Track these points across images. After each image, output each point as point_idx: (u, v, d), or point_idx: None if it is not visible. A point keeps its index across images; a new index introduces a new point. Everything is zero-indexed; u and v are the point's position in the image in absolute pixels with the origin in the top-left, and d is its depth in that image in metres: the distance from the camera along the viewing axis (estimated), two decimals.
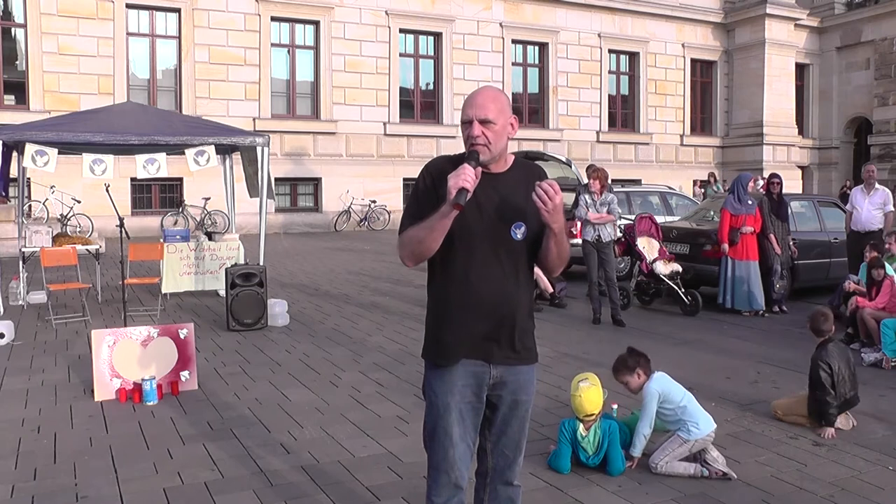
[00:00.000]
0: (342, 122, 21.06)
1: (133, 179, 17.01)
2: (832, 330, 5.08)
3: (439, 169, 2.58)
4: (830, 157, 29.15)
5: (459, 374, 2.60)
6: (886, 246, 8.14)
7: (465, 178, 2.36)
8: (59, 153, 8.12)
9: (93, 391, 5.48)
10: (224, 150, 9.95)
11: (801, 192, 25.26)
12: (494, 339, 2.59)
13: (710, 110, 27.73)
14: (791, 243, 9.53)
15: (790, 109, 27.12)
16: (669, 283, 9.12)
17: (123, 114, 9.03)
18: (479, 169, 2.46)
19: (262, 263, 8.40)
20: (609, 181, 9.00)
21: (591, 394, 4.22)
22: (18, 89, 18.22)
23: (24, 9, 17.97)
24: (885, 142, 26.52)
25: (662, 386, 4.31)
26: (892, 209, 9.33)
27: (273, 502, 3.77)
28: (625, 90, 26.14)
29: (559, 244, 2.54)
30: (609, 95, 25.38)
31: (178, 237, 10.05)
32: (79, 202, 16.29)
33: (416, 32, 22.37)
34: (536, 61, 24.41)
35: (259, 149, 8.73)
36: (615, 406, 4.69)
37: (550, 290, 9.44)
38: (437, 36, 22.53)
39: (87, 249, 9.72)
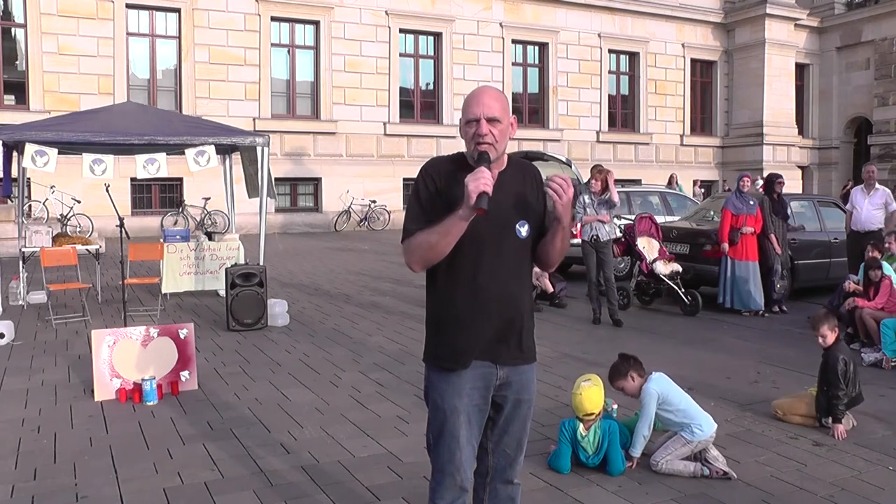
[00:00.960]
0: (342, 122, 21.06)
1: (133, 179, 17.01)
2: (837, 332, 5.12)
3: (441, 170, 2.57)
4: (830, 157, 29.15)
5: (468, 376, 2.58)
6: (886, 245, 8.14)
7: (486, 181, 2.34)
8: (59, 153, 8.11)
9: (93, 391, 5.48)
10: (224, 150, 9.95)
11: (801, 192, 25.25)
12: (503, 339, 2.59)
13: (710, 110, 27.73)
14: (790, 242, 9.54)
15: (790, 109, 27.11)
16: (669, 283, 9.12)
17: (123, 114, 9.03)
18: (495, 171, 2.46)
19: (262, 263, 8.40)
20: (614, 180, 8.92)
21: (591, 393, 4.22)
22: (18, 89, 18.22)
23: (24, 9, 17.96)
24: (885, 142, 26.51)
25: (661, 387, 4.31)
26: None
27: (273, 502, 3.77)
28: (625, 90, 26.14)
29: (564, 239, 2.57)
30: (609, 95, 25.38)
31: (178, 237, 10.06)
32: (79, 202, 16.28)
33: (416, 32, 22.37)
34: (536, 61, 24.41)
35: (259, 149, 8.73)
36: (615, 406, 4.68)
37: (551, 289, 9.44)
38: (437, 36, 22.53)
39: (87, 249, 9.73)
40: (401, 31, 21.95)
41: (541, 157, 12.39)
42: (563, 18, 24.26)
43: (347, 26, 21.10)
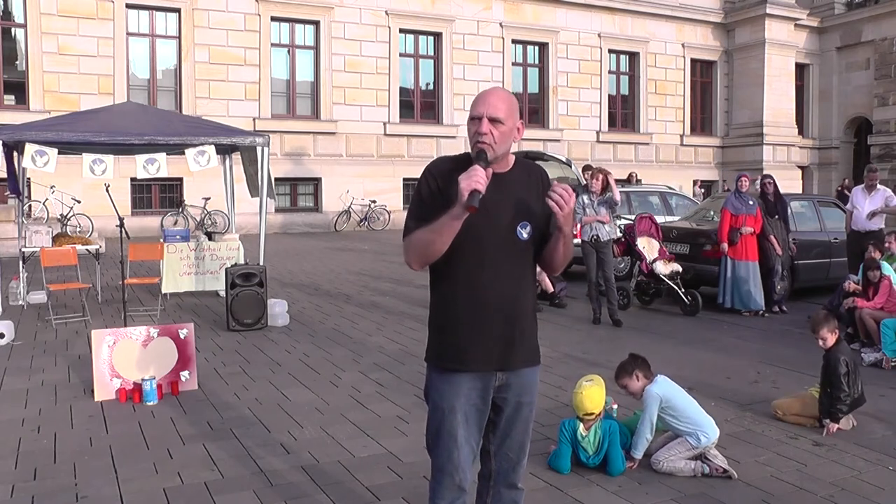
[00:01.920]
0: (342, 122, 21.06)
1: (133, 179, 17.01)
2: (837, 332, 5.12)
3: (443, 170, 2.57)
4: (830, 157, 29.15)
5: (467, 377, 2.58)
6: (886, 245, 8.14)
7: (478, 179, 2.34)
8: (59, 153, 8.11)
9: (93, 391, 5.48)
10: (224, 150, 9.94)
11: (801, 192, 25.25)
12: (505, 341, 2.58)
13: (710, 110, 27.73)
14: (791, 242, 9.53)
15: (790, 109, 27.11)
16: (669, 283, 9.12)
17: (123, 114, 9.03)
18: (490, 170, 2.44)
19: (262, 263, 8.40)
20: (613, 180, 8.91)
21: (592, 392, 4.22)
22: (18, 89, 18.22)
23: (24, 9, 17.97)
24: (885, 142, 26.51)
25: (664, 390, 4.31)
26: None
27: (273, 502, 3.77)
28: (625, 90, 26.14)
29: (567, 245, 2.58)
30: (609, 95, 25.39)
31: (178, 237, 10.06)
32: (79, 202, 16.28)
33: (416, 32, 22.37)
34: (536, 61, 24.41)
35: (259, 149, 8.73)
36: (615, 406, 4.68)
37: (551, 289, 9.44)
38: (437, 36, 22.54)
39: (87, 249, 9.72)
40: (401, 31, 21.95)
41: (541, 156, 12.38)
42: (563, 18, 24.26)
43: (347, 26, 21.10)
